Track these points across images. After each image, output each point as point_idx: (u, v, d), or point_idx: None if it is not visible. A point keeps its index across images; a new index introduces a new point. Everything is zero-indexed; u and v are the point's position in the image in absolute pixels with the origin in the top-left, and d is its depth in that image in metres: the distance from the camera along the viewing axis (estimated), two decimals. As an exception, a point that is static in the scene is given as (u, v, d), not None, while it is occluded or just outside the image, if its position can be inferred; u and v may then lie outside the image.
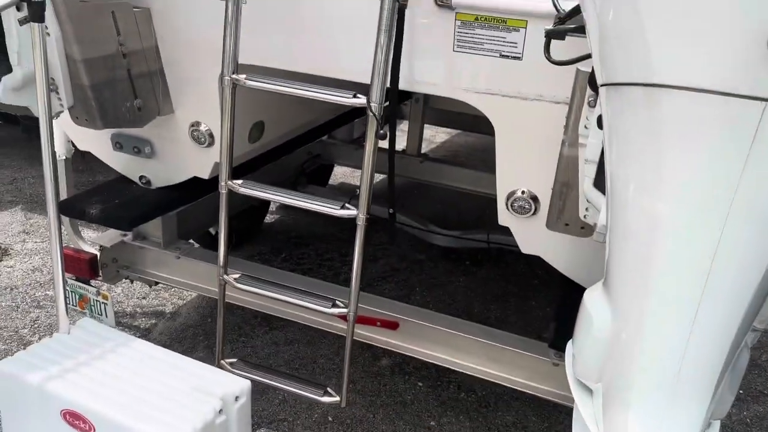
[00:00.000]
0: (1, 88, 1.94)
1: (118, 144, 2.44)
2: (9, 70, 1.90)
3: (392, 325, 2.38)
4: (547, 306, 3.38)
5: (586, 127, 1.41)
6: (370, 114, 1.76)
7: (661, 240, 0.94)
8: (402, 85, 1.84)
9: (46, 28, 1.82)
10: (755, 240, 0.97)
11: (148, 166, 2.49)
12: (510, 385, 2.27)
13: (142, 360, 1.88)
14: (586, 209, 1.50)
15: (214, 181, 2.19)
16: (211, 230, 3.27)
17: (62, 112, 2.09)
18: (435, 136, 5.80)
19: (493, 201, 2.01)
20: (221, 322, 2.24)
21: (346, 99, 1.80)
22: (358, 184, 1.91)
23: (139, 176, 2.53)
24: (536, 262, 2.07)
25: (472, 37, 1.76)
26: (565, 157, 1.55)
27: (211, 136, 2.27)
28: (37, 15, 1.69)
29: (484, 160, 3.87)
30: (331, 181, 4.61)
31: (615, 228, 1.05)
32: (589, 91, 1.37)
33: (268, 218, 4.16)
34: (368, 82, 1.76)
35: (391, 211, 2.22)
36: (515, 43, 1.72)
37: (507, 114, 1.83)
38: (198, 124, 2.27)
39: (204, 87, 2.14)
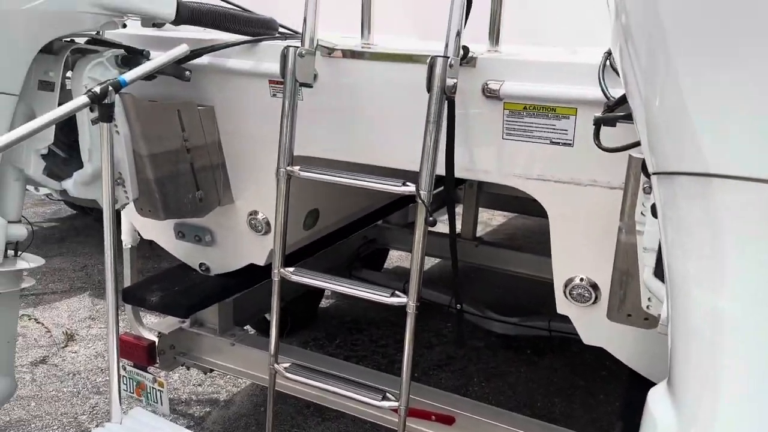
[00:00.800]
0: (72, 183, 2.07)
1: (180, 233, 2.53)
2: (80, 166, 2.03)
3: (448, 420, 2.27)
4: (616, 401, 3.16)
5: (642, 213, 1.36)
6: (419, 201, 1.76)
7: (728, 339, 0.86)
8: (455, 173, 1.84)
9: (116, 126, 1.95)
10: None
11: (207, 253, 2.56)
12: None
13: (191, 452, 1.84)
14: (649, 299, 1.41)
15: (270, 267, 2.22)
16: (267, 316, 3.29)
17: (128, 203, 2.20)
18: (492, 219, 5.76)
19: (552, 286, 1.94)
20: (271, 412, 2.20)
21: (396, 187, 1.81)
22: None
23: (199, 263, 2.60)
24: (603, 351, 1.96)
25: (521, 125, 1.76)
26: (623, 244, 1.48)
27: (267, 224, 2.32)
28: (106, 115, 1.81)
29: (542, 243, 3.80)
30: (387, 265, 4.60)
31: (676, 322, 0.98)
32: (643, 178, 1.33)
33: (324, 303, 4.15)
34: (417, 169, 1.77)
35: (458, 306, 2.16)
36: (566, 130, 1.71)
37: (560, 199, 1.80)
38: (256, 213, 2.34)
39: (262, 178, 2.22)
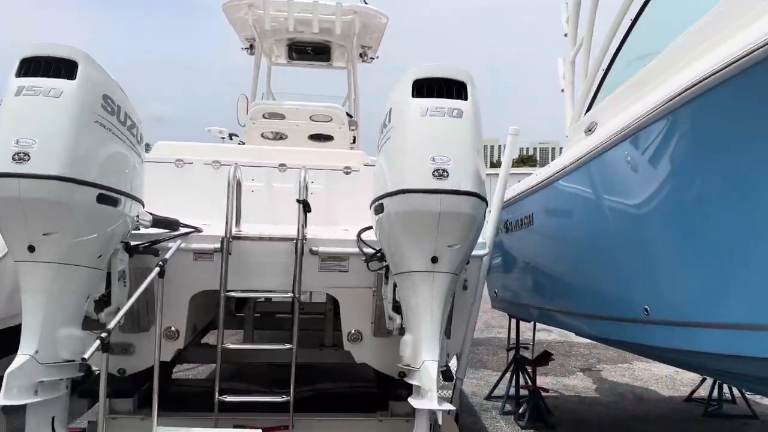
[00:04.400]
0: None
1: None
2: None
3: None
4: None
5: (384, 291, 3.83)
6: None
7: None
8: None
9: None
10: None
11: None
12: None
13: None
14: (389, 323, 3.85)
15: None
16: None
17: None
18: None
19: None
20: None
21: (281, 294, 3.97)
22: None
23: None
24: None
25: (327, 264, 4.13)
26: (378, 305, 3.94)
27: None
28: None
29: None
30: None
31: (406, 307, 3.40)
32: (383, 278, 3.83)
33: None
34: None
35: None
36: (345, 266, 4.14)
37: (347, 296, 4.17)
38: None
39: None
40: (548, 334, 12.15)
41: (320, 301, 6.55)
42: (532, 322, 7.00)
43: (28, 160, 2.74)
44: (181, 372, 6.18)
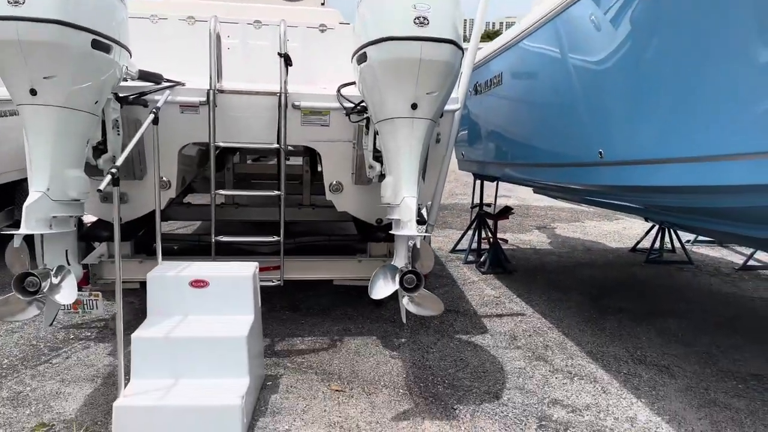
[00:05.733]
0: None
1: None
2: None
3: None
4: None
5: (365, 141, 4.13)
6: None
7: (393, 154, 3.63)
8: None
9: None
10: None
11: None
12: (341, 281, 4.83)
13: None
14: (369, 171, 4.18)
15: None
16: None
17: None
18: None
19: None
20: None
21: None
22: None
23: None
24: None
25: (309, 119, 4.37)
26: (358, 155, 4.25)
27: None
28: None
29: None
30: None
31: (387, 154, 3.69)
32: (365, 129, 4.11)
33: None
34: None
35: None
36: (326, 120, 4.39)
37: (326, 148, 4.46)
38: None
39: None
40: (507, 199, 12.86)
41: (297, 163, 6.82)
42: (495, 183, 7.49)
43: (23, 3, 2.82)
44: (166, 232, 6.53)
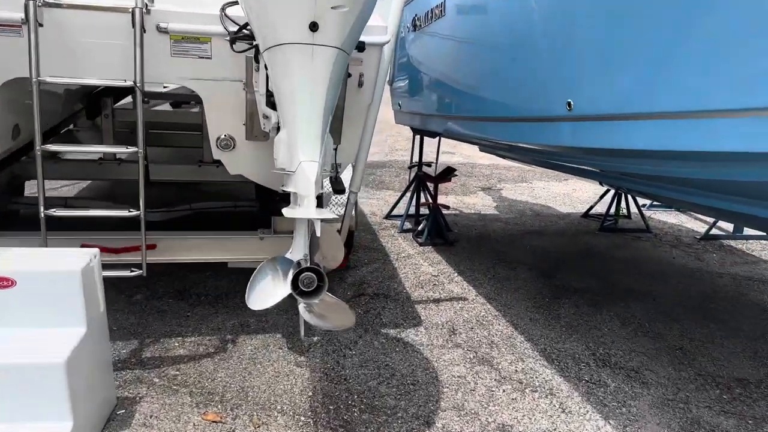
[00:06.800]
0: None
1: None
2: None
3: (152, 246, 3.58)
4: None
5: (255, 81, 3.00)
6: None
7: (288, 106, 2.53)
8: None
9: None
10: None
11: None
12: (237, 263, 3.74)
13: None
14: (264, 123, 3.07)
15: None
16: None
17: None
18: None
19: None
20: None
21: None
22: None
23: None
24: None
25: (182, 48, 3.19)
26: (249, 100, 3.12)
27: None
28: None
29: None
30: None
31: (280, 106, 2.62)
32: (255, 64, 2.97)
33: None
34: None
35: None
36: (206, 50, 3.22)
37: (209, 90, 3.30)
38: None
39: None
40: (451, 156, 11.92)
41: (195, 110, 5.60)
42: (437, 139, 6.46)
43: None
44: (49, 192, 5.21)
